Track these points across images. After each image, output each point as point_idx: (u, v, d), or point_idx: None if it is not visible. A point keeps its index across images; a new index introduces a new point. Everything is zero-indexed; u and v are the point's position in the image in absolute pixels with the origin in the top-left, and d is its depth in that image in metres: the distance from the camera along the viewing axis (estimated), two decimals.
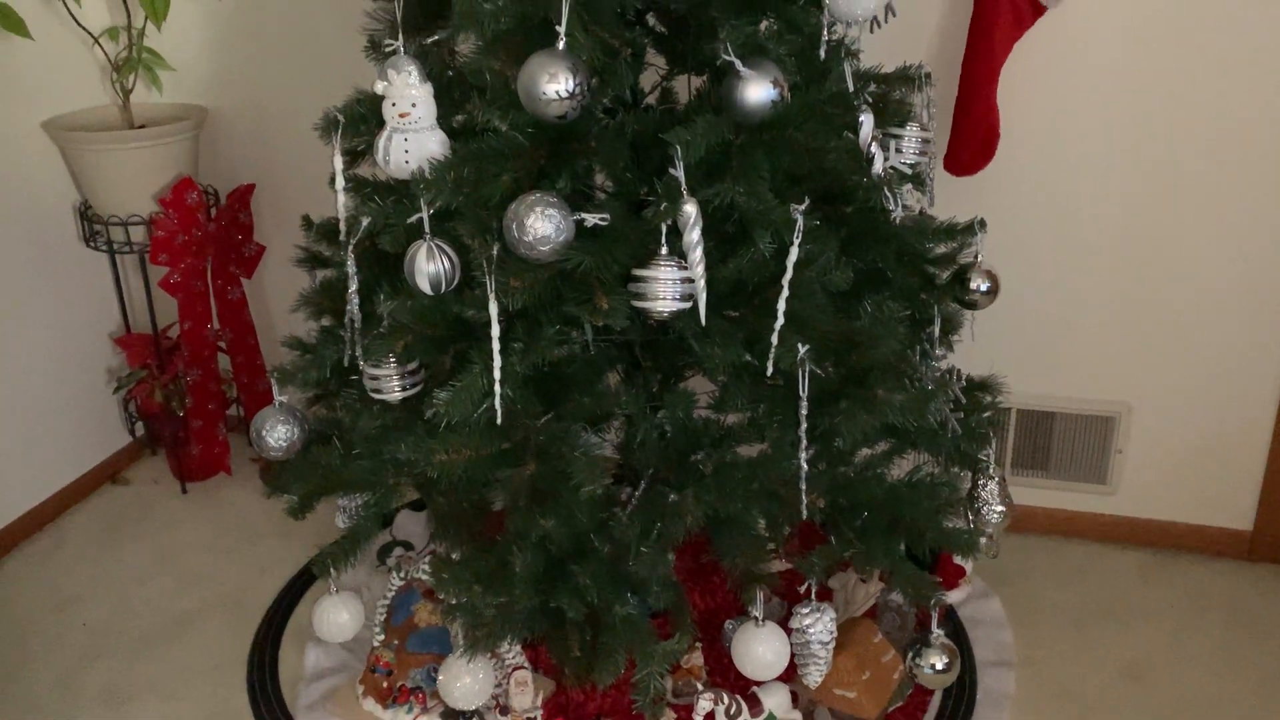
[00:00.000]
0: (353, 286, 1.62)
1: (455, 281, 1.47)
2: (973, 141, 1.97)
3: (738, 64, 1.39)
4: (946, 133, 2.01)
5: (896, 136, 1.66)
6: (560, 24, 1.33)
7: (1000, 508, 1.74)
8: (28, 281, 2.39)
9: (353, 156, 1.67)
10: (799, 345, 1.39)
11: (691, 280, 1.39)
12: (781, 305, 1.40)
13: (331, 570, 1.66)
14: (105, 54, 2.38)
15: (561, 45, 1.34)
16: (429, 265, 1.45)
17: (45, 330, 2.44)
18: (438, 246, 1.45)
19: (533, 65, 1.33)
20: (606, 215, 1.39)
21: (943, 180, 2.00)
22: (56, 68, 2.39)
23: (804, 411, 1.43)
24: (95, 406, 2.60)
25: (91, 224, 2.41)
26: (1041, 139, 2.06)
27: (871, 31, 1.62)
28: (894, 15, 1.52)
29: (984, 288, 1.71)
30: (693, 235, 1.38)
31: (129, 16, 2.33)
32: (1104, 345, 2.17)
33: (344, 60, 2.37)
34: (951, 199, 2.01)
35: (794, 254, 1.39)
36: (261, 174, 2.57)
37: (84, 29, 2.33)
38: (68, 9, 2.24)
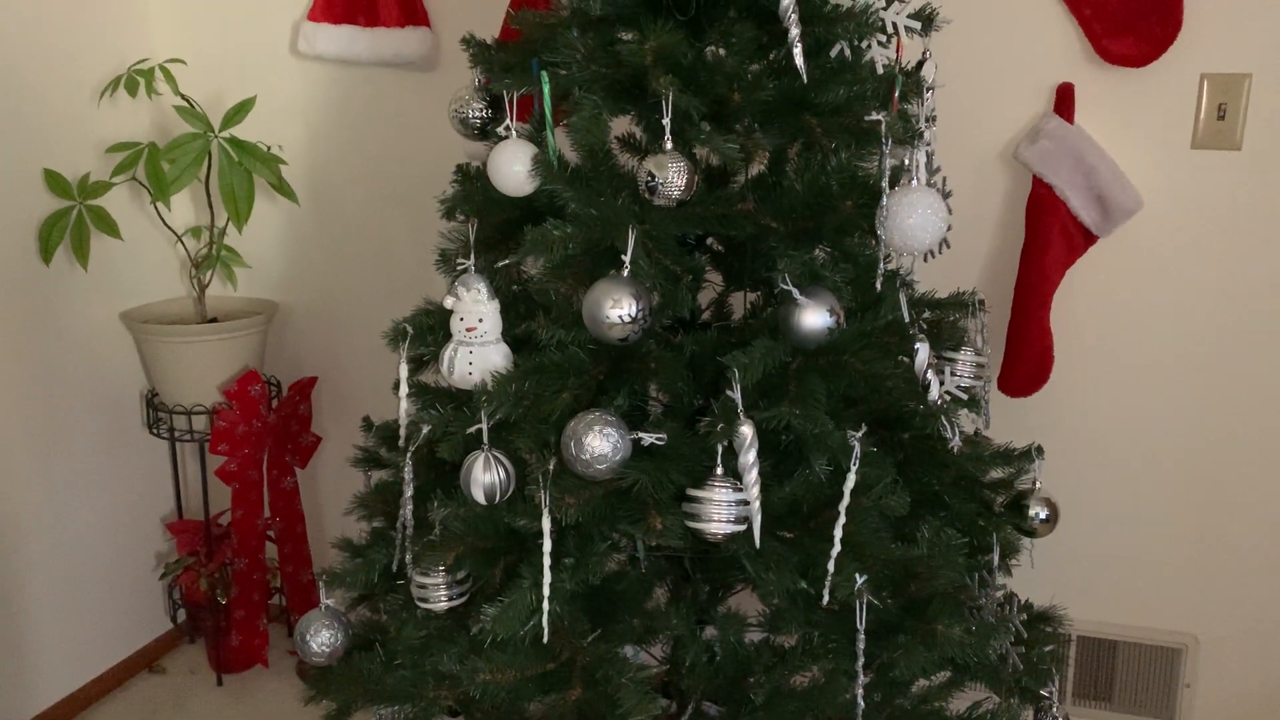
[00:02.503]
0: (408, 492, 1.63)
1: (509, 492, 1.48)
2: (1027, 364, 1.98)
3: (795, 293, 1.42)
4: (1000, 353, 2.03)
5: (951, 360, 1.68)
6: (626, 252, 1.38)
7: None
8: (89, 463, 2.44)
9: (417, 364, 1.72)
10: (856, 575, 1.37)
11: (746, 502, 1.38)
12: (838, 532, 1.38)
13: None
14: (186, 250, 2.51)
15: (626, 272, 1.38)
16: (485, 475, 1.46)
17: (100, 512, 2.48)
18: (495, 457, 1.46)
19: (598, 291, 1.37)
20: (664, 435, 1.40)
21: (998, 400, 2.00)
22: (140, 263, 2.52)
23: (861, 645, 1.39)
24: (140, 591, 2.60)
25: (156, 411, 2.48)
26: (1097, 361, 2.07)
27: (925, 261, 1.66)
28: (948, 247, 1.56)
29: (1043, 515, 1.67)
30: (748, 457, 1.38)
31: (213, 217, 2.46)
32: (1168, 573, 2.11)
33: (412, 265, 2.48)
34: (1007, 420, 2.01)
35: (851, 480, 1.38)
36: (324, 367, 2.65)
37: (170, 229, 2.46)
38: (158, 211, 2.38)
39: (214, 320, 2.49)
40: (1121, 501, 2.11)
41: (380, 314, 2.53)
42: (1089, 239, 1.98)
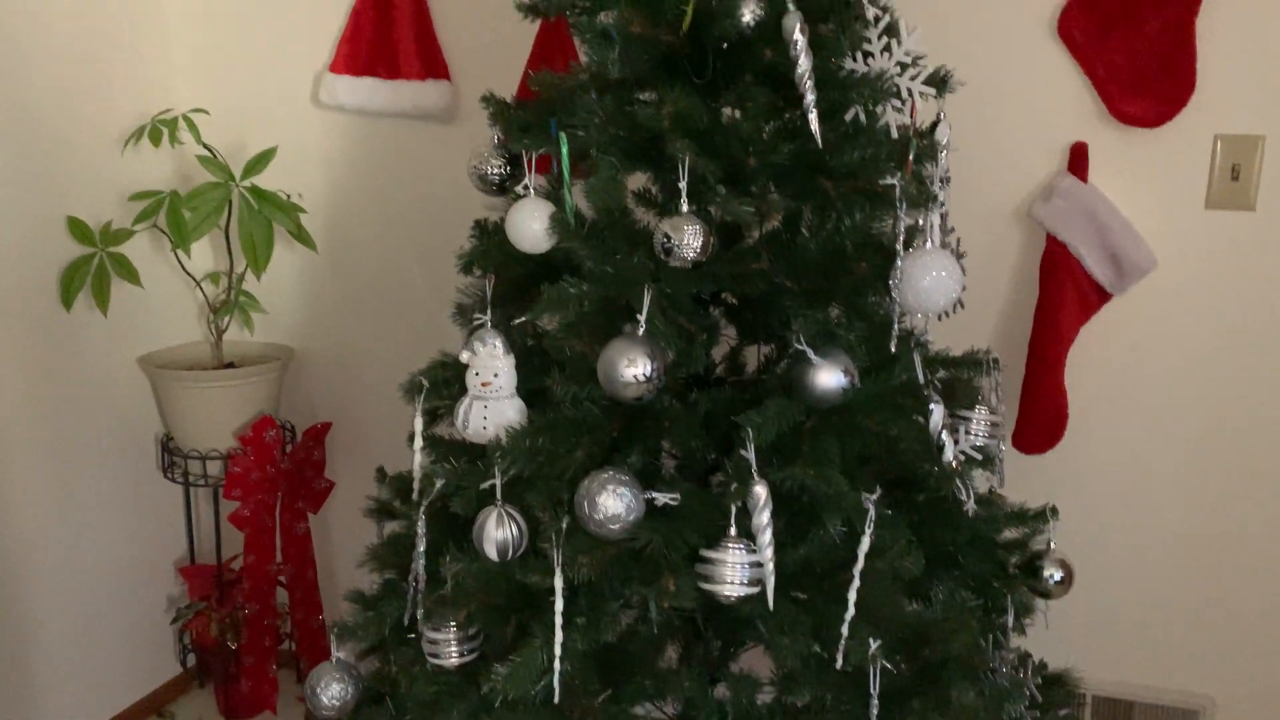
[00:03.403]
0: (420, 546, 1.63)
1: (522, 549, 1.48)
2: (1041, 422, 1.98)
3: (809, 352, 1.43)
4: (1015, 410, 2.03)
5: (965, 419, 1.68)
6: (641, 312, 1.39)
7: None
8: (104, 506, 2.45)
9: (432, 416, 1.73)
10: (870, 640, 1.36)
11: (760, 564, 1.38)
12: (852, 595, 1.38)
13: None
14: (205, 296, 2.53)
15: (641, 331, 1.39)
16: (497, 532, 1.46)
17: (114, 555, 2.48)
18: (508, 513, 1.46)
19: (613, 350, 1.38)
20: (677, 495, 1.40)
21: (1012, 456, 2.00)
22: (159, 308, 2.55)
23: (875, 710, 1.38)
24: (151, 635, 2.60)
25: (171, 455, 2.49)
26: (1112, 419, 2.06)
27: (940, 320, 1.67)
28: (962, 307, 1.57)
29: (1057, 577, 1.67)
30: (762, 518, 1.38)
31: (231, 263, 2.48)
32: (1185, 634, 2.09)
33: (427, 313, 2.50)
34: (1022, 476, 2.00)
35: (865, 543, 1.38)
36: (338, 412, 2.66)
37: (189, 275, 2.49)
38: (177, 258, 2.40)
39: (231, 365, 2.51)
40: (1137, 559, 2.10)
41: (395, 361, 2.54)
42: (1103, 297, 1.98)
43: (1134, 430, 2.06)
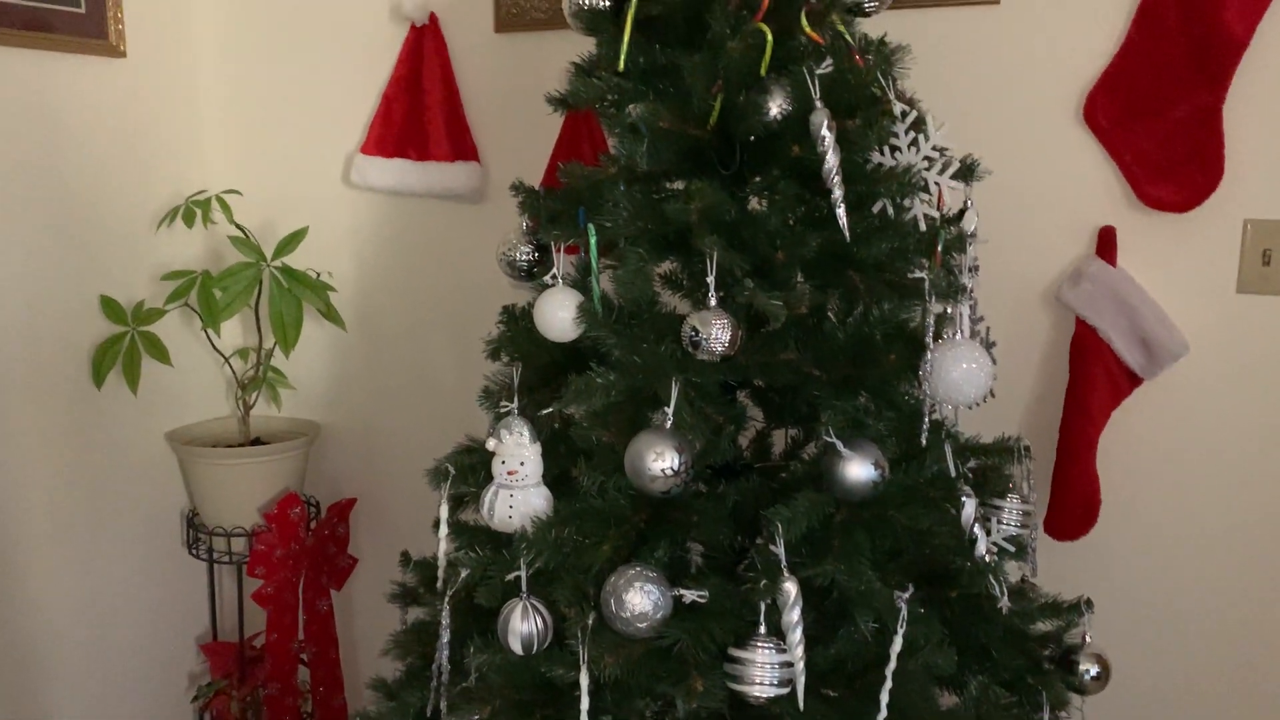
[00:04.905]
0: (444, 636, 1.62)
1: (547, 642, 1.46)
2: (1073, 508, 1.95)
3: (839, 445, 1.42)
4: (1046, 495, 2.00)
5: (997, 508, 1.65)
6: (669, 404, 1.39)
7: None
8: (128, 582, 2.45)
9: (457, 502, 1.72)
10: None
11: (790, 664, 1.35)
12: (885, 696, 1.35)
13: None
14: (233, 372, 2.55)
15: (669, 424, 1.39)
16: (522, 625, 1.45)
17: (136, 631, 2.48)
18: (533, 606, 1.45)
19: (640, 443, 1.38)
20: (705, 593, 1.38)
21: (1044, 544, 1.96)
22: (188, 384, 2.57)
23: None
24: (172, 713, 2.58)
25: (196, 532, 2.49)
26: (1145, 504, 2.03)
27: (970, 409, 1.65)
28: (993, 396, 1.56)
29: (1093, 672, 1.62)
30: (792, 615, 1.35)
31: (260, 340, 2.50)
32: None
33: (453, 391, 2.50)
34: (1054, 564, 1.97)
35: (898, 643, 1.36)
36: (362, 488, 2.66)
37: (218, 351, 2.51)
38: (207, 336, 2.42)
39: (257, 440, 2.51)
40: (1176, 652, 2.04)
41: (420, 438, 2.55)
42: (1134, 381, 1.96)
43: (1168, 516, 2.02)
